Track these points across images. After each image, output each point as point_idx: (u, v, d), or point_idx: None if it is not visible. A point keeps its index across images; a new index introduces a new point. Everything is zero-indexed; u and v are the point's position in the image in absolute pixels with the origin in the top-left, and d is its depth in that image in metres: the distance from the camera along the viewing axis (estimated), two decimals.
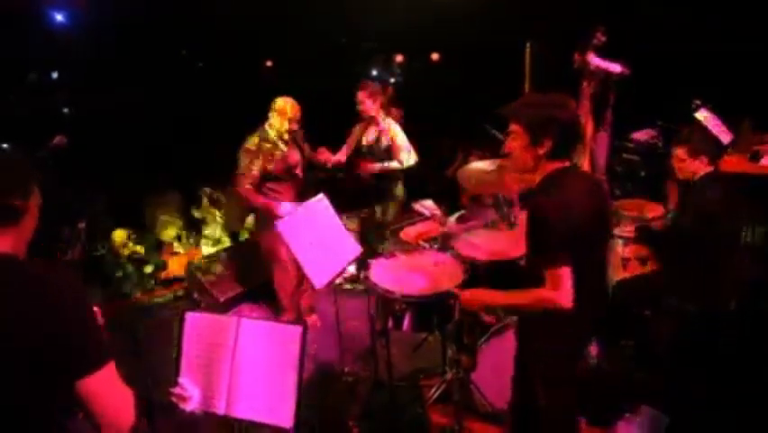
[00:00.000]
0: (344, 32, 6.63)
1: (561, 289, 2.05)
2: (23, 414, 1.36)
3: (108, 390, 1.42)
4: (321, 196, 3.01)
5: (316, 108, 3.93)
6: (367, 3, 6.16)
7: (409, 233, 3.29)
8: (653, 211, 4.05)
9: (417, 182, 4.29)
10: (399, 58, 7.76)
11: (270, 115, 3.69)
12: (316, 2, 6.29)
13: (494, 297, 2.39)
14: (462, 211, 3.72)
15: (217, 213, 5.54)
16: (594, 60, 4.78)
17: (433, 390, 3.25)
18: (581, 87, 4.88)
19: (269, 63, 7.98)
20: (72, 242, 2.54)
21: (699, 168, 3.10)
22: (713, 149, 3.17)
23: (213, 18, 6.36)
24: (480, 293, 2.44)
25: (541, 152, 2.11)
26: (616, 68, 4.79)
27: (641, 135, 5.45)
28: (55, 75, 6.91)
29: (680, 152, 3.14)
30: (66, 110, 6.69)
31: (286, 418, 1.98)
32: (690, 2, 5.14)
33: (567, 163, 2.16)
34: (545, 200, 2.09)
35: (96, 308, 1.47)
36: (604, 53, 4.85)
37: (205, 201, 5.54)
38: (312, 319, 4.10)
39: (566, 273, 2.05)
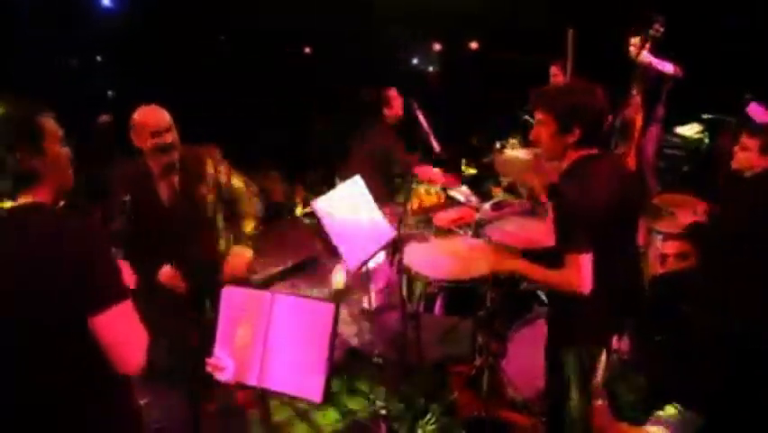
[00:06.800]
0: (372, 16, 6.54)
1: (579, 273, 2.06)
2: (46, 347, 1.43)
3: (120, 328, 1.47)
4: (357, 177, 3.02)
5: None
6: None
7: (443, 218, 3.29)
8: (694, 206, 3.94)
9: (453, 169, 4.27)
10: (438, 46, 7.71)
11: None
12: None
13: (521, 264, 2.38)
14: (497, 198, 3.69)
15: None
16: (646, 57, 4.58)
17: (462, 375, 3.25)
18: (633, 79, 4.70)
19: (307, 50, 8.01)
20: (115, 213, 2.59)
21: (760, 164, 2.96)
22: None
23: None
24: (509, 257, 2.45)
25: (570, 140, 2.12)
26: (668, 68, 4.58)
27: (685, 130, 5.30)
28: (99, 58, 7.09)
29: (750, 142, 2.94)
30: (110, 93, 6.88)
31: (316, 392, 2.01)
32: None
33: (594, 151, 2.16)
34: (567, 186, 2.11)
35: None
36: (661, 46, 4.64)
37: None
38: None
39: (585, 259, 2.05)
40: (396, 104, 3.96)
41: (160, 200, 2.70)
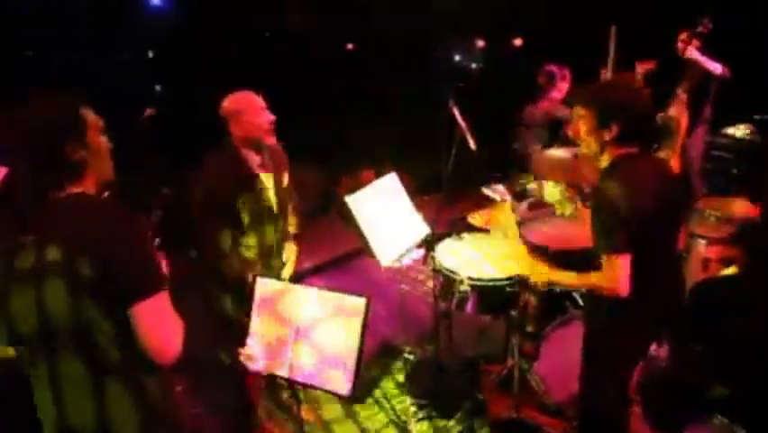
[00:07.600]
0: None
1: (616, 275, 2.02)
2: (89, 333, 1.46)
3: (157, 318, 1.49)
4: (392, 174, 3.03)
5: None
6: None
7: (478, 217, 3.26)
8: (741, 210, 3.80)
9: (488, 167, 4.23)
10: (481, 43, 7.65)
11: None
12: None
13: (557, 274, 2.34)
14: (533, 198, 3.64)
15: None
16: (693, 54, 4.40)
17: (493, 376, 3.22)
18: (681, 77, 4.53)
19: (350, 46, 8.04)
20: (152, 206, 2.66)
21: None
22: None
23: None
24: (545, 267, 2.39)
25: (607, 137, 2.07)
26: (716, 68, 4.40)
27: (735, 131, 5.10)
28: (150, 54, 7.29)
29: None
30: (158, 87, 7.07)
31: (345, 387, 2.04)
32: None
33: (635, 150, 2.10)
34: (607, 185, 2.05)
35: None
36: (708, 44, 4.47)
37: None
38: None
39: (623, 260, 2.01)
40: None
41: (261, 188, 2.70)
